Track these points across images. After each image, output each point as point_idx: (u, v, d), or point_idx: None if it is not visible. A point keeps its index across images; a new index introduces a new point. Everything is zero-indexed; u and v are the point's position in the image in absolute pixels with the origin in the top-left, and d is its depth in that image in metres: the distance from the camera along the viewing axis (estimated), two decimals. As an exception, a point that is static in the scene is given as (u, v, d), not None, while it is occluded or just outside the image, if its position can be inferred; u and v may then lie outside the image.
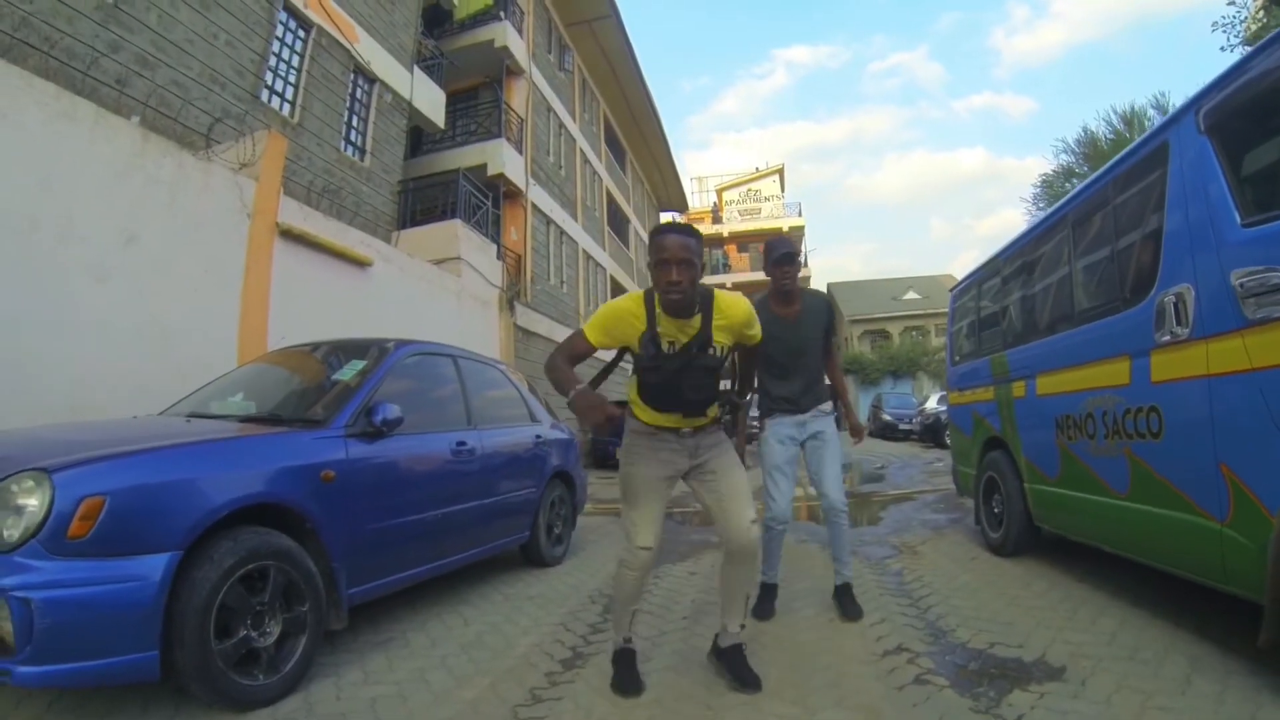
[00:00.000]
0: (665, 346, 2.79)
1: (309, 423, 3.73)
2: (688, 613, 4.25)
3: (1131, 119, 18.89)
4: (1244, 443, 2.85)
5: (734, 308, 2.85)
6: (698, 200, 44.89)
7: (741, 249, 43.06)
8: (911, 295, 40.98)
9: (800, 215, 42.63)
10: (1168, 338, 3.31)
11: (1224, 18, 10.27)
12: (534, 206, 16.52)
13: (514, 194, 15.80)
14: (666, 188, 35.13)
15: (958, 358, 6.90)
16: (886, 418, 24.60)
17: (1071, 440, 4.34)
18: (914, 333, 39.04)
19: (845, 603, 4.09)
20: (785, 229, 41.73)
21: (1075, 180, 20.03)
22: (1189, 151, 3.29)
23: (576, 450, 6.75)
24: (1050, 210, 5.10)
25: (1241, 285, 2.80)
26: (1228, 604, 3.17)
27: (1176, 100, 19.30)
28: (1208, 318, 3.05)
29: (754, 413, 4.59)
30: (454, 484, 4.60)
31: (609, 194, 24.75)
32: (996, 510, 5.62)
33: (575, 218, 19.94)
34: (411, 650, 3.69)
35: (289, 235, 7.96)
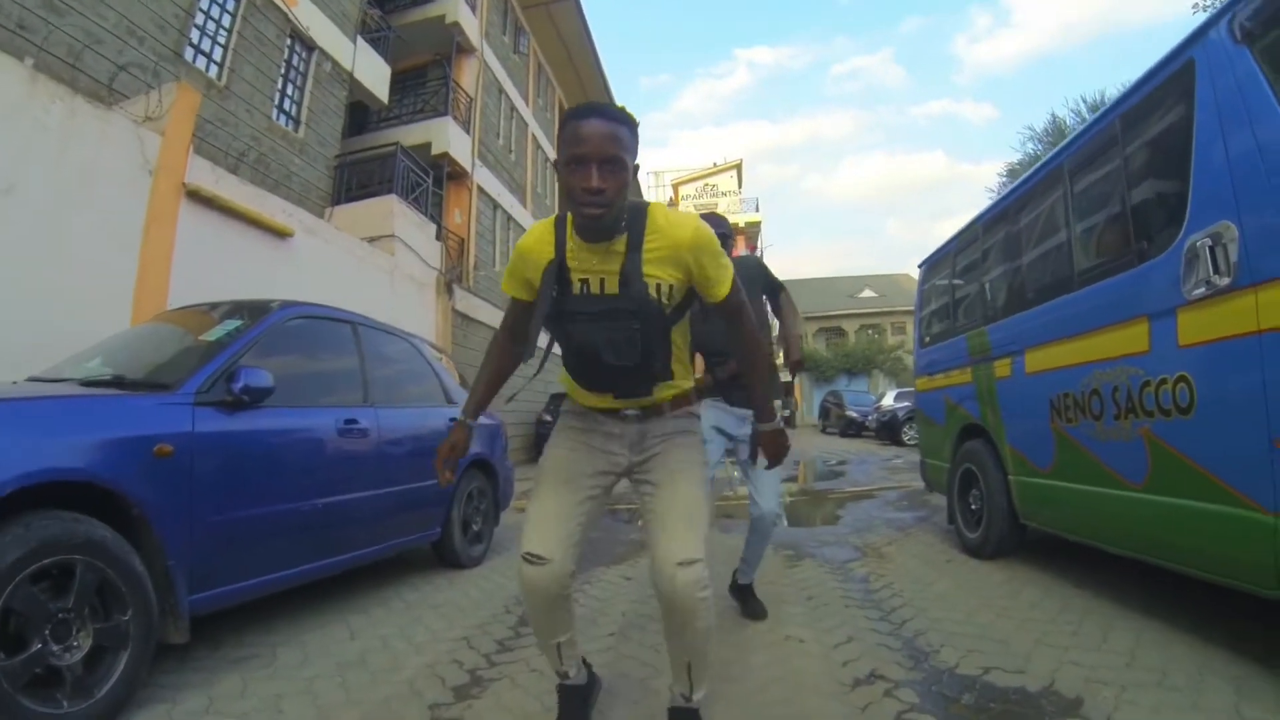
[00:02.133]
0: (577, 286, 1.94)
1: (152, 387, 3.04)
2: (615, 628, 3.55)
3: (1100, 108, 18.64)
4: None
5: (677, 226, 1.92)
6: (655, 195, 44.35)
7: (697, 244, 42.38)
8: (868, 293, 40.99)
9: (758, 211, 42.48)
10: (1202, 290, 2.73)
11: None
12: (480, 189, 15.72)
13: (459, 175, 14.99)
14: (623, 181, 34.47)
15: (927, 339, 6.34)
16: (852, 414, 24.53)
17: (1070, 423, 3.75)
18: (870, 331, 38.93)
19: (749, 600, 3.70)
20: (742, 224, 41.50)
21: (1043, 169, 19.84)
22: (1223, 66, 2.75)
23: (502, 439, 6.11)
24: (1038, 163, 4.47)
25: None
26: (1259, 609, 2.68)
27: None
28: (1257, 259, 2.48)
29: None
30: (341, 469, 3.92)
31: (562, 182, 23.94)
32: (974, 507, 5.03)
33: (524, 203, 19.17)
34: (275, 670, 2.97)
35: (197, 197, 7.19)
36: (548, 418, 16.16)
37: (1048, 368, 4.01)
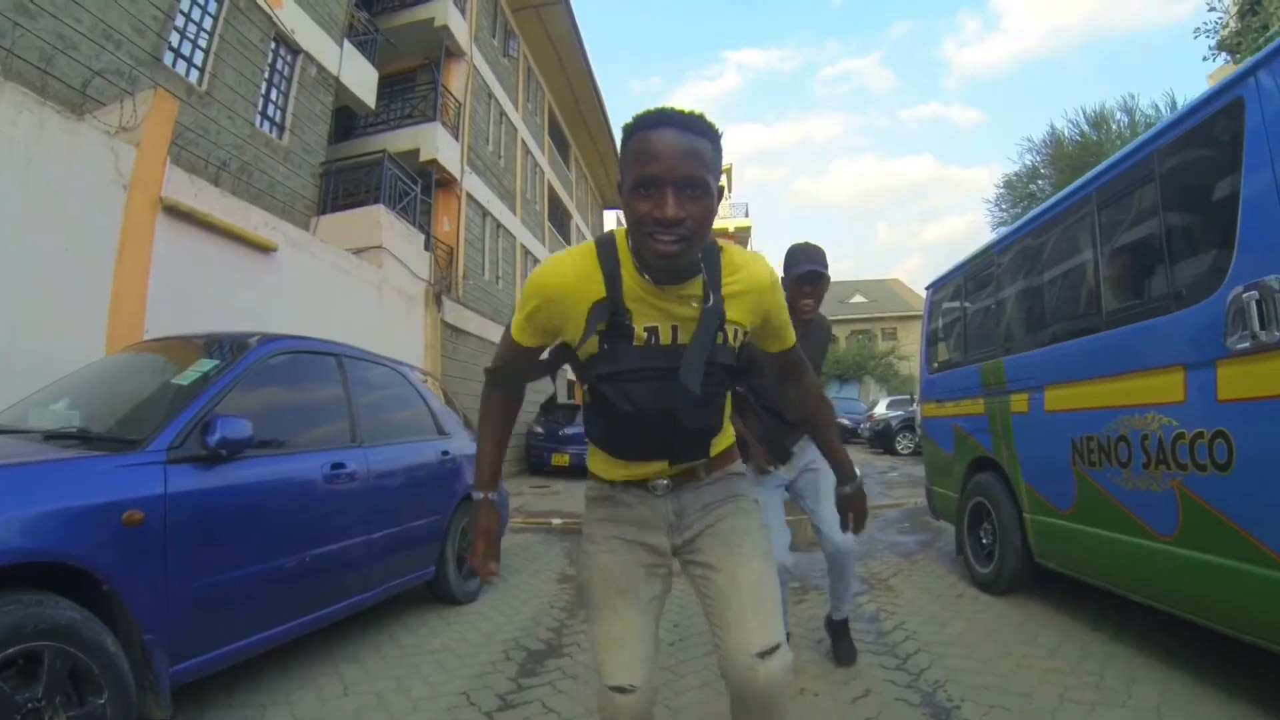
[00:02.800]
0: (641, 336, 1.56)
1: (120, 444, 2.79)
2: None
3: (1100, 121, 18.56)
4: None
5: (756, 263, 1.65)
6: (643, 199, 44.16)
7: (687, 249, 42.31)
8: (858, 299, 40.92)
9: (747, 216, 42.44)
10: (1246, 344, 2.57)
11: (1205, 24, 10.01)
12: (469, 196, 15.49)
13: (448, 182, 14.75)
14: (611, 185, 34.16)
15: (935, 364, 6.15)
16: (843, 421, 24.35)
17: (1093, 467, 3.59)
18: (860, 336, 38.86)
19: (839, 642, 3.46)
20: (731, 230, 41.39)
21: (1040, 181, 19.65)
22: (1278, 109, 2.57)
23: None
24: (1065, 191, 4.22)
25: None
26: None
27: (1144, 104, 19.07)
28: (1314, 318, 2.32)
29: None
30: (329, 518, 3.69)
31: (551, 187, 23.69)
32: (985, 541, 4.87)
33: (514, 210, 18.91)
34: (262, 737, 2.79)
35: (175, 212, 6.84)
36: (538, 429, 15.92)
37: (1070, 408, 3.85)
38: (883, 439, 19.91)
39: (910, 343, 37.82)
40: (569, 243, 26.42)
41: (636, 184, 1.41)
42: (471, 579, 5.07)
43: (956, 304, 5.78)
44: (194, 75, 9.18)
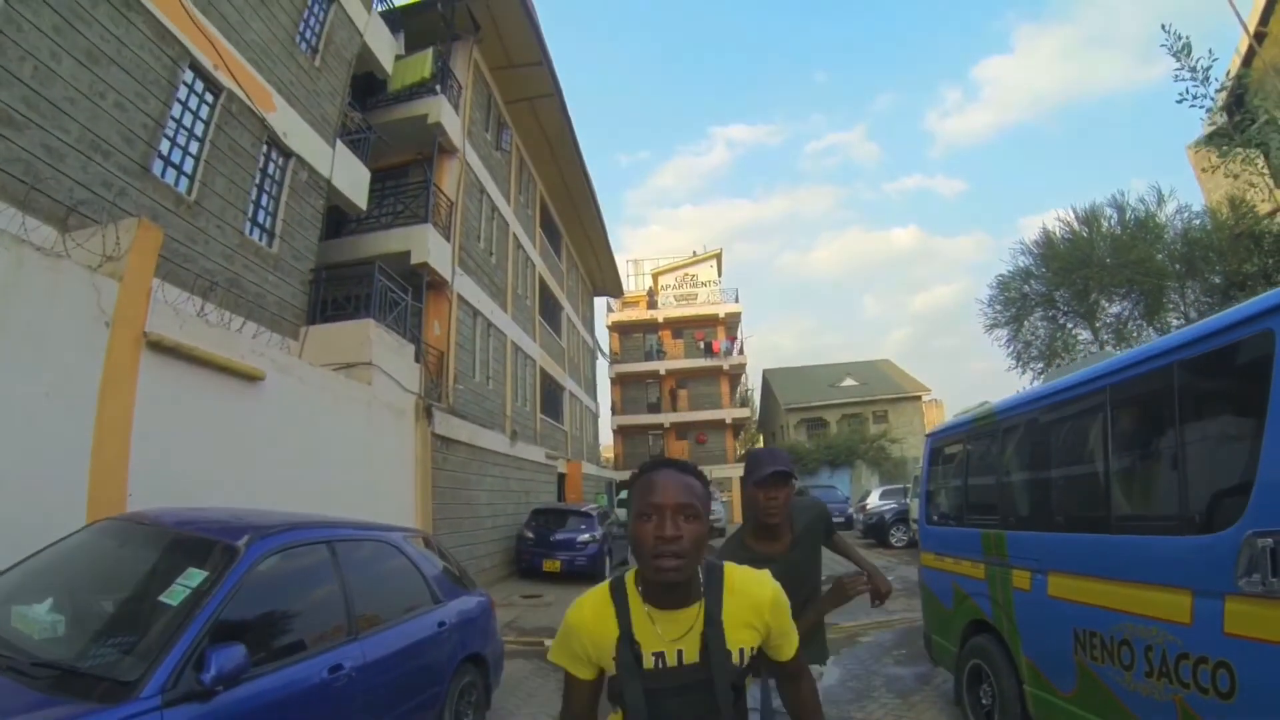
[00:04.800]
0: (650, 661, 1.74)
1: (113, 688, 2.65)
2: None
3: (1091, 218, 18.67)
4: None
5: (756, 584, 1.86)
6: (633, 284, 44.54)
7: (676, 334, 42.70)
8: (849, 382, 41.01)
9: (737, 301, 42.72)
10: (1258, 589, 2.56)
11: (1189, 92, 10.19)
12: (460, 298, 15.42)
13: (439, 285, 14.67)
14: (602, 271, 34.47)
15: (935, 517, 6.09)
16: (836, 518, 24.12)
17: (1096, 661, 3.55)
18: (851, 420, 38.66)
19: None
20: (722, 315, 41.64)
21: (1034, 282, 19.68)
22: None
23: (491, 619, 5.79)
24: (1076, 378, 4.13)
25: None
26: None
27: (1132, 197, 19.26)
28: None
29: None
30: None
31: (542, 280, 23.79)
32: (985, 702, 4.75)
33: (505, 308, 18.88)
34: None
35: (160, 347, 6.54)
36: (529, 534, 15.66)
37: (1074, 599, 3.79)
38: (876, 531, 19.76)
39: (901, 425, 37.71)
40: (559, 334, 26.37)
41: (641, 512, 1.70)
42: None
43: (957, 460, 5.76)
44: (183, 184, 8.94)
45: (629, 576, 1.83)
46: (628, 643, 1.75)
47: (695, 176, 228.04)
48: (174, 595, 3.12)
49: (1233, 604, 2.70)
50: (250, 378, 7.60)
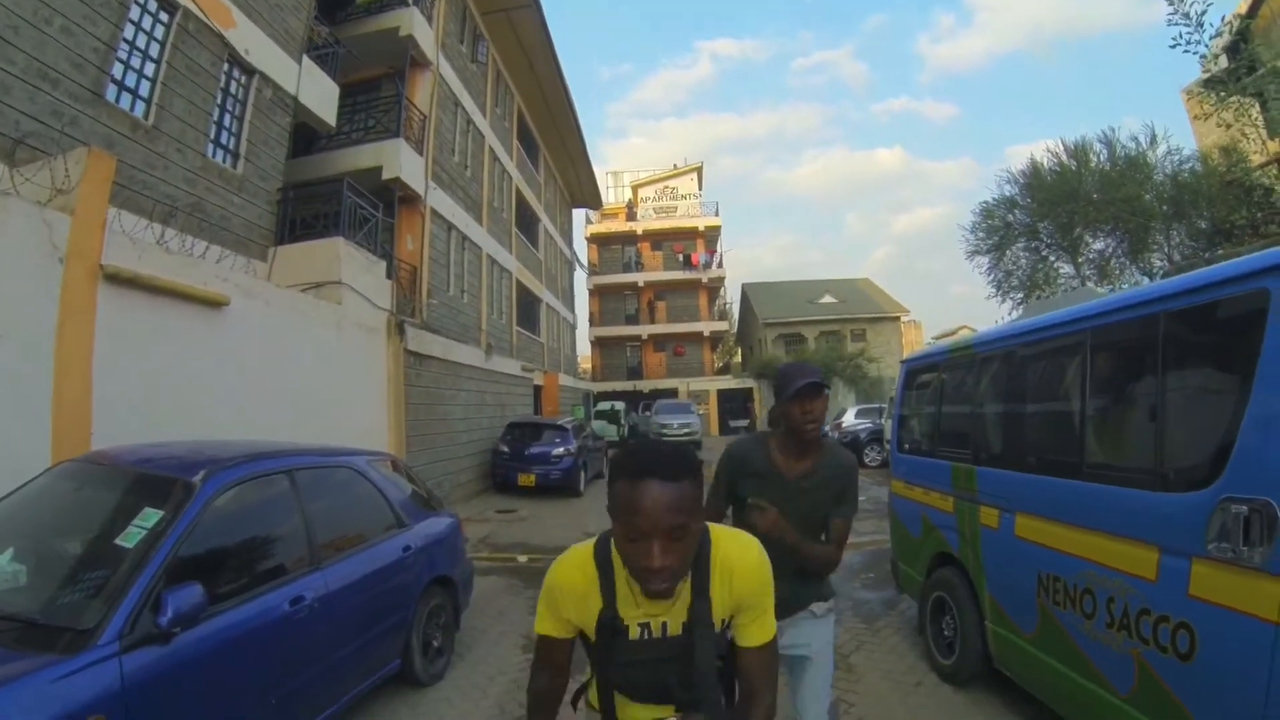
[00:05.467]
0: (635, 632, 1.75)
1: (73, 638, 2.68)
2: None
3: (1080, 152, 18.54)
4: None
5: (743, 562, 1.76)
6: (612, 196, 43.96)
7: (655, 247, 42.31)
8: (828, 299, 40.86)
9: (717, 215, 42.40)
10: (1227, 555, 2.58)
11: (1181, 36, 9.94)
12: (434, 212, 15.22)
13: (411, 199, 14.46)
14: (580, 183, 33.96)
15: (906, 445, 6.15)
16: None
17: (1058, 606, 3.63)
18: (830, 337, 38.78)
19: None
20: (701, 228, 41.35)
21: (1018, 212, 19.61)
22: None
23: (459, 539, 5.91)
24: (1057, 316, 4.03)
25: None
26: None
27: (1123, 134, 19.12)
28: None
29: None
30: (293, 653, 3.69)
31: (519, 192, 23.45)
32: (947, 634, 4.91)
33: (480, 221, 18.67)
34: None
35: (118, 279, 6.38)
36: (504, 448, 15.82)
37: (1039, 542, 3.84)
38: (851, 449, 19.73)
39: (879, 344, 37.86)
40: (536, 247, 26.15)
41: (625, 532, 1.56)
42: (438, 658, 5.17)
43: (931, 389, 5.74)
44: (139, 109, 8.64)
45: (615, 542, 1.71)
46: (611, 617, 1.73)
47: (679, 90, 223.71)
48: (130, 537, 3.13)
49: (1200, 566, 2.70)
50: (214, 304, 7.51)
